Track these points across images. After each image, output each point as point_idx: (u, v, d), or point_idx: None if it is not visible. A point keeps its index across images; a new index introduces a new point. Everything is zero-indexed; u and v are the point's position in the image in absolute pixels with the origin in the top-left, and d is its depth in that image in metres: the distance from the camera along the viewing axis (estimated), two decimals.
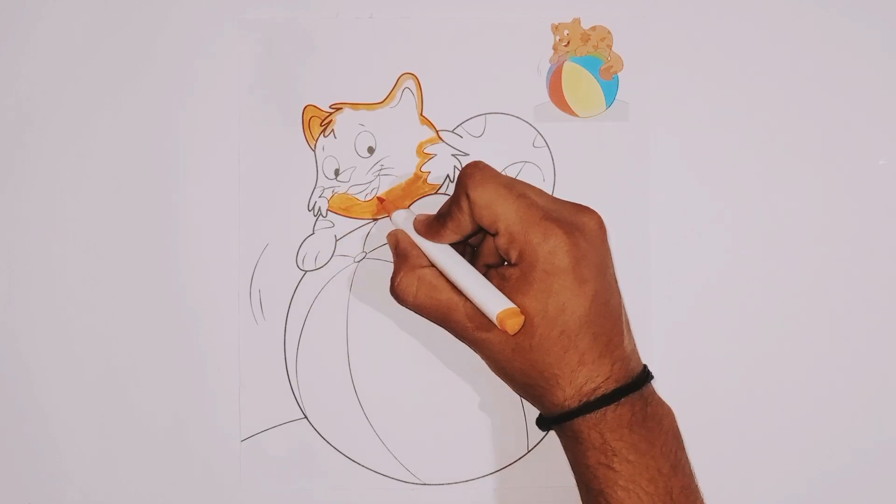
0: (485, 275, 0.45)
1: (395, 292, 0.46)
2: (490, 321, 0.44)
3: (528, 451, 0.53)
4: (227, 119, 0.53)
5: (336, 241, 0.53)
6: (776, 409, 0.53)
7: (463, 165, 0.45)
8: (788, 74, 0.53)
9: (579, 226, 0.44)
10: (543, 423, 0.45)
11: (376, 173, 0.53)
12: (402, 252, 0.47)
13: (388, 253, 0.53)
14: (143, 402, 0.53)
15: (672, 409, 0.45)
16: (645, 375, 0.44)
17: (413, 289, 0.46)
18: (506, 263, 0.45)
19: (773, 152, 0.53)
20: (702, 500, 0.44)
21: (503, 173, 0.46)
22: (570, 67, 0.53)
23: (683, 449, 0.44)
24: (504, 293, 0.44)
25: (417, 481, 0.53)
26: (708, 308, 0.53)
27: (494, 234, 0.44)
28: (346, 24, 0.53)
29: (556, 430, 0.45)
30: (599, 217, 0.45)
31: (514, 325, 0.43)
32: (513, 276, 0.44)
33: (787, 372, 0.53)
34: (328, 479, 0.53)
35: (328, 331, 0.53)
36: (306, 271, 0.53)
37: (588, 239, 0.44)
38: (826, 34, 0.53)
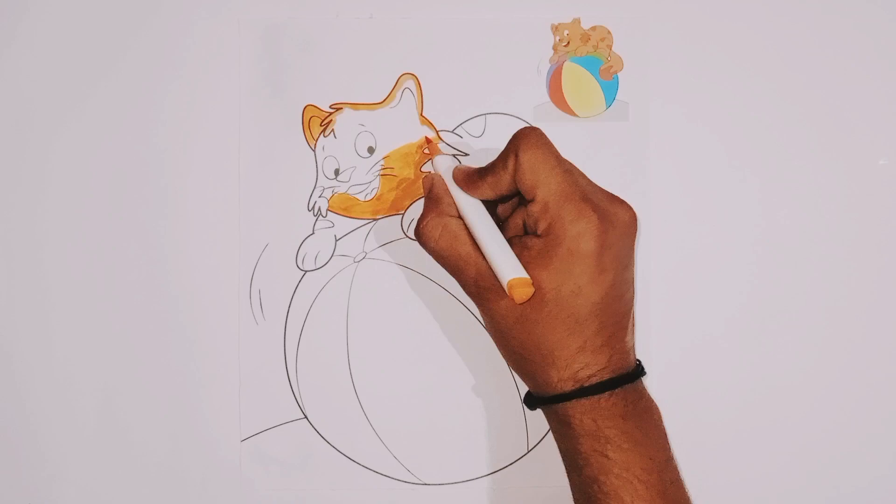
0: (514, 240, 0.45)
1: (419, 233, 0.46)
2: (500, 286, 0.44)
3: (528, 452, 0.53)
4: (227, 119, 0.53)
5: (336, 241, 0.53)
6: (776, 408, 0.53)
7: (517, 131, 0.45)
8: (788, 74, 0.53)
9: (612, 215, 0.44)
10: (532, 401, 0.45)
11: (376, 173, 0.53)
12: (434, 196, 0.47)
13: (388, 253, 0.53)
14: (143, 402, 0.53)
15: (658, 407, 0.45)
16: (639, 370, 0.45)
17: (436, 234, 0.46)
18: (530, 234, 0.45)
19: (772, 152, 0.53)
20: (688, 496, 0.44)
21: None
22: (569, 67, 0.53)
23: (670, 445, 0.44)
24: (522, 262, 0.44)
25: (417, 481, 0.53)
26: (708, 308, 0.53)
27: (530, 201, 0.44)
28: (346, 24, 0.53)
29: (545, 412, 0.45)
30: (634, 212, 0.45)
31: (521, 294, 0.43)
32: (535, 247, 0.44)
33: (787, 372, 0.53)
34: (328, 479, 0.53)
35: (328, 331, 0.53)
36: (306, 271, 0.53)
37: (618, 230, 0.43)
38: (826, 34, 0.53)
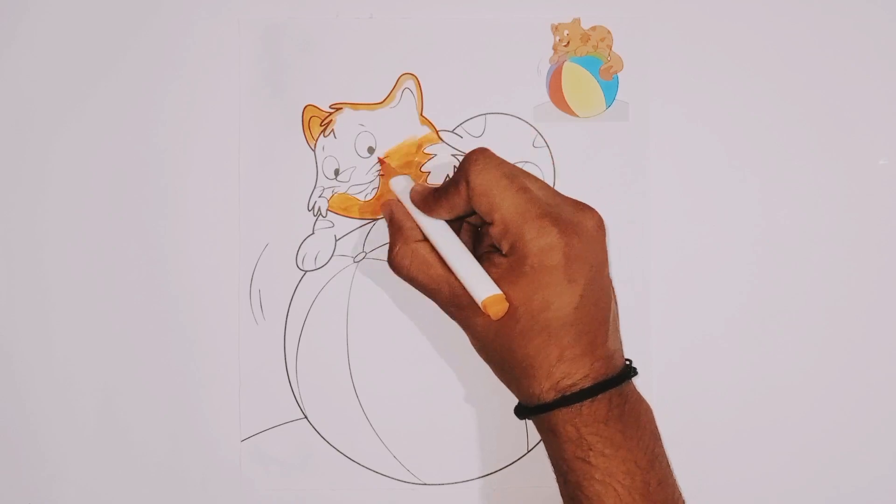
0: (484, 256, 0.45)
1: (392, 264, 0.47)
2: (475, 304, 0.44)
3: (528, 452, 0.53)
4: (227, 119, 0.53)
5: (336, 241, 0.53)
6: (776, 408, 0.53)
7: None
8: (788, 74, 0.53)
9: (576, 224, 0.44)
10: (521, 412, 0.46)
11: (376, 173, 0.53)
12: (396, 224, 0.47)
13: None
14: (143, 402, 0.53)
15: (650, 406, 0.45)
16: (626, 372, 0.44)
17: (407, 262, 0.46)
18: (498, 251, 0.45)
19: (772, 152, 0.53)
20: (679, 492, 0.44)
21: (508, 162, 0.45)
22: (569, 67, 0.53)
23: (661, 444, 0.44)
24: (493, 279, 0.44)
25: (417, 481, 0.53)
26: (708, 308, 0.53)
27: (489, 224, 0.44)
28: (346, 24, 0.53)
29: (533, 421, 0.45)
30: (599, 217, 0.45)
31: (497, 311, 0.43)
32: (502, 265, 0.44)
33: (787, 372, 0.53)
34: (328, 479, 0.53)
35: (328, 331, 0.53)
36: (306, 271, 0.53)
37: (583, 239, 0.43)
38: (826, 34, 0.53)
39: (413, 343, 0.53)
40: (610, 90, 0.53)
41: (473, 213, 0.46)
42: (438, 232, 0.46)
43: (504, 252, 0.44)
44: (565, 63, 0.53)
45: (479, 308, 0.44)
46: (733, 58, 0.53)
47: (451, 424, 0.53)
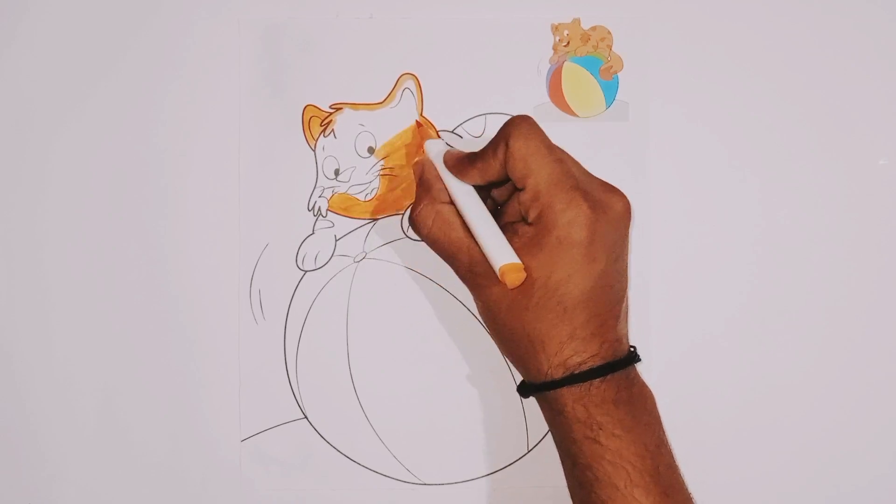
0: (507, 227, 0.45)
1: (413, 220, 0.46)
2: (492, 272, 0.44)
3: (528, 452, 0.53)
4: (227, 119, 0.53)
5: (336, 241, 0.53)
6: (776, 408, 0.53)
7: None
8: (788, 74, 0.53)
9: (605, 204, 0.43)
10: (525, 389, 0.45)
11: (376, 173, 0.53)
12: (425, 183, 0.47)
13: (388, 253, 0.53)
14: (143, 402, 0.53)
15: (652, 392, 0.45)
16: (633, 357, 0.44)
17: (429, 221, 0.46)
18: (523, 220, 0.45)
19: (772, 152, 0.53)
20: (684, 481, 0.44)
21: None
22: (569, 68, 0.53)
23: (665, 431, 0.44)
24: (514, 249, 0.44)
25: (417, 481, 0.53)
26: (708, 307, 0.53)
27: (521, 189, 0.44)
28: (346, 24, 0.53)
29: (538, 399, 0.45)
30: (628, 202, 0.44)
31: (513, 279, 0.43)
32: (526, 235, 0.44)
33: (787, 372, 0.53)
34: (328, 479, 0.53)
35: (328, 331, 0.53)
36: (306, 271, 0.53)
37: (610, 220, 0.43)
38: (826, 34, 0.53)
39: (413, 343, 0.53)
40: (610, 90, 0.53)
41: (503, 183, 0.46)
42: (466, 196, 0.46)
43: (530, 220, 0.44)
44: (565, 63, 0.53)
45: (496, 277, 0.43)
46: (733, 58, 0.53)
47: (451, 424, 0.53)
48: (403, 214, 0.53)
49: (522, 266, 0.43)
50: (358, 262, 0.53)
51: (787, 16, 0.53)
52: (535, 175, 0.43)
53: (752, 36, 0.53)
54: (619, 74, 0.53)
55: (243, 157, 0.53)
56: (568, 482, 0.44)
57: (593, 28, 0.53)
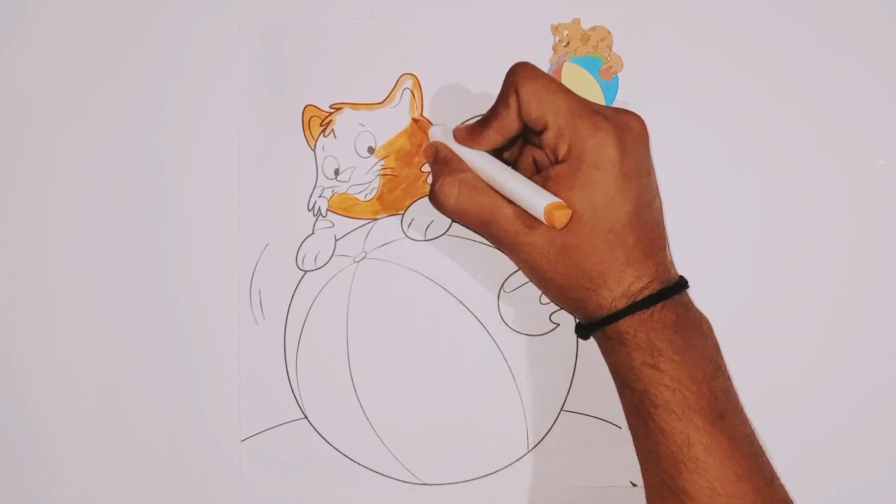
0: (532, 178, 0.45)
1: (435, 197, 0.46)
2: (534, 221, 0.43)
3: (528, 452, 0.53)
4: (227, 119, 0.53)
5: (336, 241, 0.53)
6: (776, 408, 0.53)
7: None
8: (788, 74, 0.53)
9: (625, 123, 0.44)
10: (584, 330, 0.45)
11: (376, 173, 0.53)
12: (442, 160, 0.47)
13: (388, 253, 0.53)
14: (143, 402, 0.53)
15: (709, 318, 0.45)
16: (684, 282, 0.45)
17: (455, 191, 0.45)
18: (550, 163, 0.45)
19: (772, 152, 0.53)
20: (741, 405, 0.44)
21: None
22: (569, 68, 0.53)
23: (722, 356, 0.45)
24: (550, 192, 0.43)
25: (417, 481, 0.53)
26: (708, 308, 0.53)
27: (541, 131, 0.44)
28: (346, 24, 0.53)
29: (596, 336, 0.45)
30: (643, 120, 0.45)
31: (561, 217, 0.43)
32: (560, 174, 0.43)
33: (787, 372, 0.53)
34: (328, 479, 0.53)
35: (328, 331, 0.53)
36: (306, 271, 0.53)
37: (633, 137, 0.44)
38: (826, 34, 0.53)
39: (413, 343, 0.53)
40: (610, 90, 0.53)
41: (518, 137, 0.46)
42: (487, 161, 0.46)
43: (560, 157, 0.44)
44: (565, 63, 0.53)
45: (538, 226, 0.43)
46: (733, 58, 0.53)
47: (451, 424, 0.53)
48: (403, 214, 0.53)
49: (565, 203, 0.43)
50: (358, 262, 0.53)
51: (787, 16, 0.53)
52: (554, 111, 0.43)
53: (752, 36, 0.53)
54: (618, 75, 0.53)
55: (243, 157, 0.53)
56: (626, 413, 0.45)
57: (593, 28, 0.53)
